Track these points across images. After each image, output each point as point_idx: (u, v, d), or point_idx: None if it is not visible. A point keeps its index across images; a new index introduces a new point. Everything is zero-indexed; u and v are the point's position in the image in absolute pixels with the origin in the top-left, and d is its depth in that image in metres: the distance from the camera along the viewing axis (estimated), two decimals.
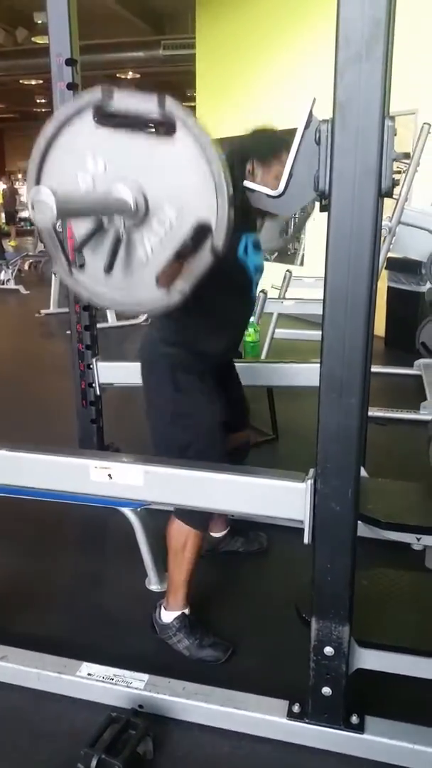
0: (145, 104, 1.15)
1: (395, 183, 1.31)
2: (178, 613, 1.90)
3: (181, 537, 1.84)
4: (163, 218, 1.24)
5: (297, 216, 3.17)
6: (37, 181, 1.28)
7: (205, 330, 1.85)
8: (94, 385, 2.75)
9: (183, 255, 1.26)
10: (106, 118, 1.18)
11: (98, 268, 1.29)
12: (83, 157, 1.24)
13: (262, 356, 4.32)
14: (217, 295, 1.49)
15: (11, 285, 9.54)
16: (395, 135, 1.25)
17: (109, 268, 1.27)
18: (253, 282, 1.93)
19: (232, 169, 1.73)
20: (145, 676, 1.73)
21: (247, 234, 1.86)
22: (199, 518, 1.85)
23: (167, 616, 1.91)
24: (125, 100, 1.17)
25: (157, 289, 1.29)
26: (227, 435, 1.96)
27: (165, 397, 1.87)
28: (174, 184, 1.21)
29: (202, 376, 1.87)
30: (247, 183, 1.40)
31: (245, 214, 1.82)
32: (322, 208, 1.29)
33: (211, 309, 1.73)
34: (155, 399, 1.91)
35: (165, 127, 1.17)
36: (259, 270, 1.94)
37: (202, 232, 1.23)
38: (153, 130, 1.19)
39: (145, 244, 1.28)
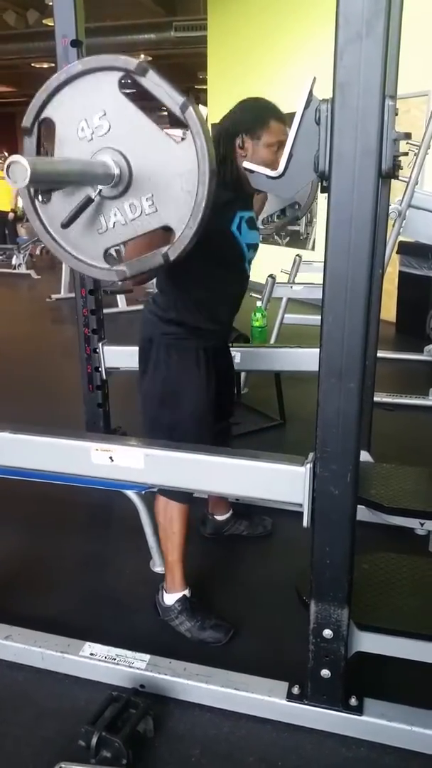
0: (171, 96, 1.18)
1: (397, 164, 1.29)
2: (180, 595, 1.92)
3: (168, 513, 1.87)
4: (136, 205, 1.26)
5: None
6: (41, 108, 1.28)
7: (198, 304, 1.84)
8: (100, 369, 2.76)
9: (137, 245, 1.29)
10: (132, 87, 1.19)
11: (59, 215, 1.30)
12: (93, 110, 1.24)
13: (271, 341, 4.31)
14: (209, 269, 1.48)
15: (23, 270, 9.57)
16: (396, 115, 1.23)
17: (66, 224, 1.28)
18: (246, 258, 1.90)
19: (219, 145, 1.74)
20: (147, 657, 1.75)
21: (241, 211, 1.84)
22: (180, 492, 1.85)
23: (169, 598, 1.93)
24: (156, 83, 1.18)
25: (102, 260, 1.32)
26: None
27: (158, 375, 1.87)
28: (161, 181, 1.23)
29: (197, 356, 1.86)
30: (246, 164, 1.38)
31: (238, 188, 1.81)
32: (323, 190, 1.28)
33: (204, 283, 1.72)
34: (148, 376, 1.90)
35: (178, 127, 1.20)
36: (253, 248, 1.92)
37: (163, 236, 1.26)
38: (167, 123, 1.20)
39: (110, 217, 1.29)
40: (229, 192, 1.76)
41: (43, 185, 1.29)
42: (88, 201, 1.26)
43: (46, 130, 1.32)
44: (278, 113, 1.81)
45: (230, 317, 2.01)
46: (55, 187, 1.32)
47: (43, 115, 1.29)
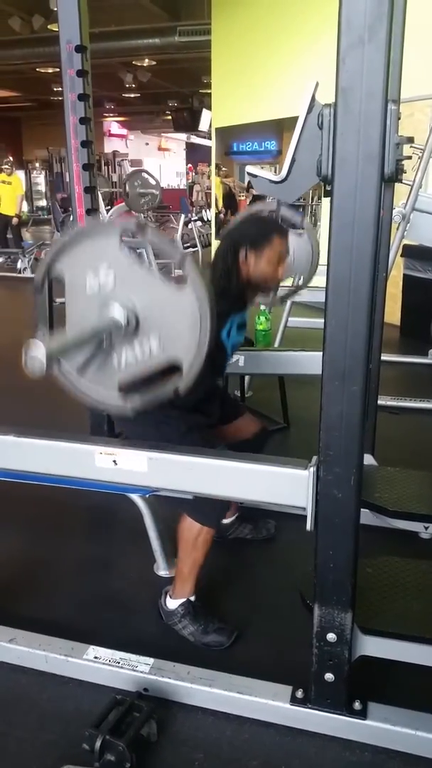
0: (169, 250, 1.31)
1: (400, 168, 1.29)
2: (183, 599, 1.92)
3: (193, 533, 1.85)
4: (145, 345, 1.38)
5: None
6: (50, 266, 1.40)
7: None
8: None
9: (149, 380, 1.41)
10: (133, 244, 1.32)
11: (74, 358, 1.43)
12: (98, 266, 1.36)
13: (275, 344, 4.30)
14: None
15: (28, 274, 9.58)
16: (399, 119, 1.24)
17: (81, 370, 1.43)
18: (228, 358, 2.07)
19: (226, 256, 1.93)
20: (151, 660, 1.75)
21: (234, 316, 1.99)
22: (211, 515, 1.85)
23: (172, 603, 1.93)
24: (156, 239, 1.31)
25: (117, 393, 1.44)
26: (223, 430, 2.09)
27: (136, 427, 1.94)
28: (166, 323, 1.35)
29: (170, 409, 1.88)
30: (249, 169, 1.40)
31: (238, 298, 1.99)
32: (325, 194, 1.28)
33: None
34: (128, 430, 2.02)
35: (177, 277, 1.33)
36: (237, 347, 2.09)
37: (173, 369, 1.38)
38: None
39: (122, 356, 1.41)
40: (228, 301, 1.94)
41: (71, 354, 1.41)
42: (101, 348, 1.39)
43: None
44: (281, 230, 1.99)
45: (209, 394, 2.09)
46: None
47: (52, 273, 1.41)
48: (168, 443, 1.82)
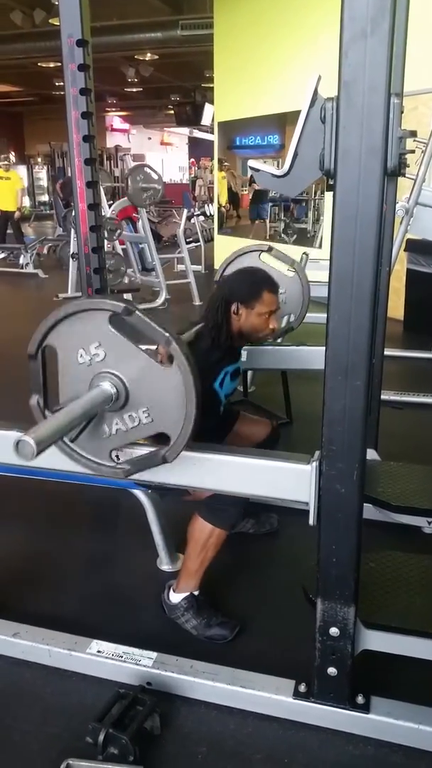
0: (156, 332, 1.35)
1: (403, 161, 1.29)
2: (187, 593, 1.92)
3: (204, 534, 1.85)
4: (135, 416, 1.45)
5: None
6: (44, 337, 1.48)
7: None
8: None
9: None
10: (120, 325, 1.38)
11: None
12: (89, 341, 1.43)
13: (278, 339, 4.29)
14: None
15: (30, 269, 9.59)
16: (402, 112, 1.23)
17: (74, 439, 1.51)
18: (222, 406, 2.09)
19: (217, 311, 1.99)
20: (154, 654, 1.75)
21: (227, 366, 2.04)
22: (225, 519, 1.85)
23: (176, 597, 1.94)
24: (142, 322, 1.35)
25: (108, 459, 1.51)
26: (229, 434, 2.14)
27: None
28: (154, 397, 1.42)
29: None
30: (251, 163, 1.39)
31: (229, 349, 2.05)
32: (328, 188, 1.28)
33: None
34: None
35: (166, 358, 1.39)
36: (230, 395, 2.12)
37: (162, 438, 1.45)
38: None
39: (111, 425, 1.48)
40: (220, 353, 2.00)
41: (65, 434, 1.44)
42: (92, 418, 1.46)
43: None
44: (272, 285, 2.06)
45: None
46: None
47: (45, 343, 1.48)
48: None
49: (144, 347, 1.41)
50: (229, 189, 9.36)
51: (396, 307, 5.58)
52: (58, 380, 1.53)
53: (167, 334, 1.35)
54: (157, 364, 1.40)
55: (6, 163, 11.39)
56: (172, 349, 1.35)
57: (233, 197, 9.37)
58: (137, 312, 1.36)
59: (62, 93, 2.44)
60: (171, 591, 1.96)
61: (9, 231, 11.43)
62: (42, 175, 20.24)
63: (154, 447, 1.49)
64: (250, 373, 3.87)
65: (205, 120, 15.48)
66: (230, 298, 2.01)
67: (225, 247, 7.77)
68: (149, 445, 1.52)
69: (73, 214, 2.58)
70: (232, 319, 2.01)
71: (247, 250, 3.14)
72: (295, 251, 5.38)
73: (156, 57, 12.77)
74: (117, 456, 1.52)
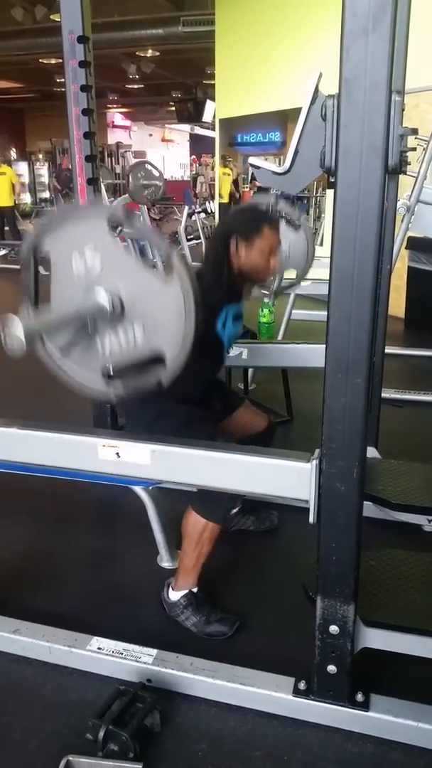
0: (156, 243, 1.31)
1: (404, 159, 1.29)
2: (186, 591, 1.93)
3: (198, 528, 1.85)
4: (129, 333, 1.39)
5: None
6: (38, 242, 1.40)
7: (174, 386, 1.87)
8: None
9: (132, 368, 1.42)
10: (121, 231, 1.34)
11: (60, 343, 1.44)
12: (86, 248, 1.35)
13: (279, 337, 4.30)
14: (187, 358, 1.53)
15: None
16: (403, 110, 1.23)
17: (66, 352, 1.44)
18: (225, 349, 2.05)
19: (217, 247, 1.93)
20: (154, 651, 1.75)
21: (228, 306, 1.98)
22: (218, 512, 1.84)
23: (175, 594, 1.94)
24: (142, 231, 1.33)
25: (100, 378, 1.45)
26: (226, 425, 2.09)
27: (139, 418, 1.97)
28: (151, 313, 1.36)
29: (171, 402, 1.91)
30: (252, 160, 1.39)
31: (230, 288, 1.98)
32: (329, 185, 1.27)
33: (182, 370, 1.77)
34: (131, 420, 2.05)
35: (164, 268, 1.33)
36: (234, 338, 2.07)
37: (156, 360, 1.39)
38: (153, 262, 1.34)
39: (105, 342, 1.42)
40: (221, 292, 1.94)
41: (52, 334, 1.42)
42: (84, 331, 1.39)
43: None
44: (272, 221, 1.98)
45: (207, 385, 2.10)
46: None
47: (39, 249, 1.42)
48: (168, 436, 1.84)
49: None
50: (235, 182, 9.34)
51: (397, 304, 5.57)
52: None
53: (166, 245, 1.30)
54: (155, 276, 1.34)
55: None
56: (171, 260, 1.29)
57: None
58: (138, 219, 1.31)
59: (63, 89, 2.44)
60: (170, 589, 1.96)
61: (6, 228, 11.43)
62: (43, 171, 20.20)
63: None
64: (250, 370, 3.88)
65: (207, 117, 15.45)
66: (230, 234, 1.93)
67: None
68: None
69: None
70: (232, 256, 1.94)
71: (251, 201, 3.09)
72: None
73: (157, 53, 12.75)
74: (109, 376, 1.47)
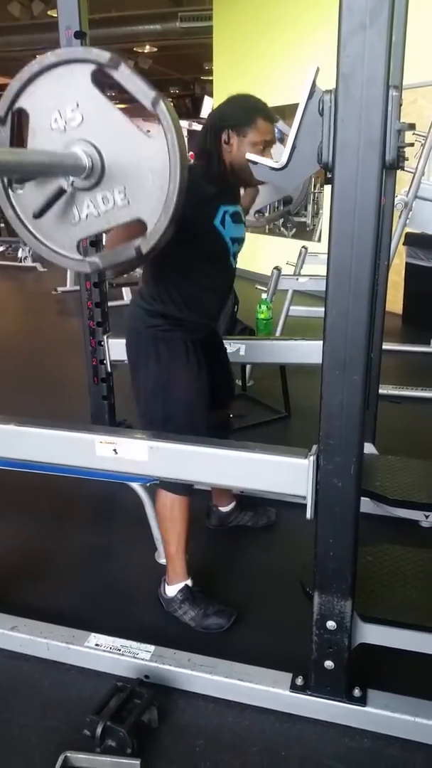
0: (143, 91, 1.18)
1: (401, 155, 1.28)
2: (181, 585, 1.93)
3: (167, 505, 1.88)
4: (109, 197, 1.27)
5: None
6: (15, 98, 1.28)
7: (183, 297, 1.84)
8: (105, 362, 2.76)
9: (116, 237, 1.30)
10: (104, 81, 1.20)
11: (32, 205, 1.31)
12: (66, 101, 1.24)
13: (276, 333, 4.30)
14: (193, 262, 1.47)
15: (29, 262, 9.57)
16: (401, 105, 1.22)
17: (39, 214, 1.29)
18: (231, 252, 1.90)
19: (208, 139, 1.78)
20: (152, 648, 1.76)
21: (225, 206, 1.83)
22: (178, 484, 1.85)
23: (171, 590, 1.95)
24: (128, 76, 1.18)
25: (75, 251, 1.33)
26: (211, 411, 1.99)
27: (147, 368, 1.88)
28: (133, 174, 1.24)
29: (186, 348, 1.87)
30: (248, 156, 1.38)
31: (223, 185, 1.83)
32: (327, 181, 1.27)
33: (188, 276, 1.70)
34: (139, 370, 1.92)
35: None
36: (238, 241, 1.92)
37: (136, 229, 1.27)
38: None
39: (83, 208, 1.30)
40: (213, 186, 1.79)
41: (10, 175, 1.29)
42: (61, 192, 1.27)
43: (21, 121, 1.32)
44: (267, 112, 1.81)
45: (216, 310, 2.01)
46: (24, 177, 1.32)
47: (17, 105, 1.29)
48: (166, 408, 1.82)
49: None
50: None
51: (395, 300, 5.58)
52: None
53: (155, 92, 1.18)
54: (140, 131, 1.23)
55: None
56: (159, 110, 1.18)
57: None
58: (123, 65, 1.19)
59: None
60: (165, 584, 1.97)
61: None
62: None
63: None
64: (248, 367, 3.88)
65: (205, 113, 15.41)
66: (221, 125, 1.78)
67: None
68: None
69: None
70: (223, 149, 1.78)
71: None
72: (294, 245, 5.38)
73: (155, 49, 12.70)
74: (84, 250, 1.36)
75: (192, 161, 1.83)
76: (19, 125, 1.33)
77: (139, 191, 1.24)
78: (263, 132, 1.78)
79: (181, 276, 1.64)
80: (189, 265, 1.52)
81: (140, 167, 1.23)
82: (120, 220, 1.29)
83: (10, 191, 1.35)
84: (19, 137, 1.34)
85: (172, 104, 1.22)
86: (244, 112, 1.78)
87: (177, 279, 1.76)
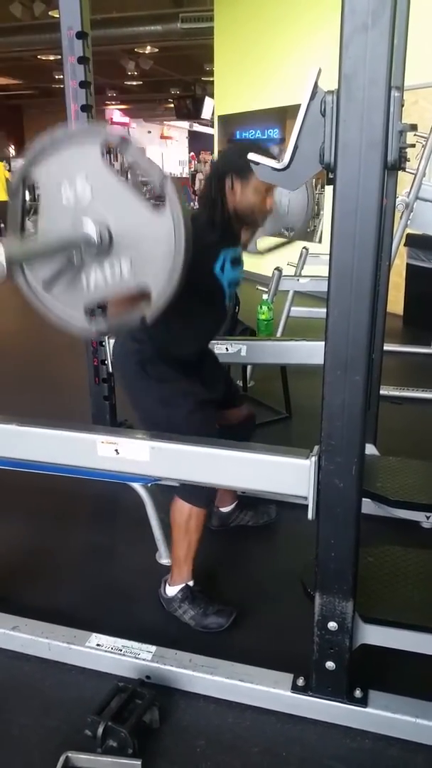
0: (150, 169, 1.25)
1: (403, 155, 1.28)
2: (182, 585, 1.93)
3: (184, 514, 1.87)
4: (116, 266, 1.34)
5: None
6: (28, 169, 1.35)
7: (174, 335, 1.87)
8: (106, 362, 2.77)
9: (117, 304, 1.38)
10: (114, 158, 1.26)
11: (43, 273, 1.38)
12: (76, 176, 1.30)
13: (278, 334, 4.30)
14: (188, 304, 1.51)
15: None
16: (402, 106, 1.23)
17: (48, 285, 1.38)
18: (227, 295, 1.97)
19: (212, 186, 1.87)
20: (153, 648, 1.76)
21: (226, 250, 1.91)
22: (201, 496, 1.86)
23: (171, 590, 1.95)
24: (138, 156, 1.26)
25: (83, 315, 1.40)
26: (220, 413, 2.03)
27: (142, 390, 1.93)
28: (140, 246, 1.31)
29: (171, 365, 1.91)
30: (250, 155, 1.38)
31: (227, 229, 1.91)
32: (328, 182, 1.27)
33: (182, 316, 1.74)
34: (136, 396, 1.97)
35: (156, 199, 1.28)
36: (234, 283, 1.99)
37: (142, 296, 1.35)
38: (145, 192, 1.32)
39: (91, 276, 1.37)
40: (216, 232, 1.87)
41: (28, 263, 1.36)
42: (70, 265, 1.34)
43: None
44: (269, 156, 1.85)
45: (207, 343, 2.09)
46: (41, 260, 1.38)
47: (29, 178, 1.36)
48: (171, 423, 1.82)
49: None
50: None
51: (395, 301, 5.58)
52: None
53: (163, 171, 1.25)
54: (147, 206, 1.28)
55: None
56: (166, 188, 1.24)
57: None
58: (133, 144, 1.25)
59: (62, 86, 2.43)
60: (166, 585, 1.97)
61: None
62: None
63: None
64: (249, 367, 3.87)
65: (206, 114, 15.42)
66: (225, 172, 1.86)
67: None
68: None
69: None
70: (227, 195, 1.86)
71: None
72: (294, 246, 5.38)
73: (156, 50, 12.69)
74: (92, 313, 1.43)
75: (196, 208, 1.96)
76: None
77: (145, 262, 1.31)
78: None
79: (174, 316, 1.67)
80: (184, 307, 1.56)
81: (147, 240, 1.29)
82: (126, 287, 1.36)
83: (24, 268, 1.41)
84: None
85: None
86: (246, 159, 1.82)
87: (169, 319, 1.78)
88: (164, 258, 1.27)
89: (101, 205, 1.30)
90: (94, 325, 1.42)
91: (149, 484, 2.16)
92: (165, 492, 2.17)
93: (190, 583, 1.94)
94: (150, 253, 1.29)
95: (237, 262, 1.99)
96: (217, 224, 1.86)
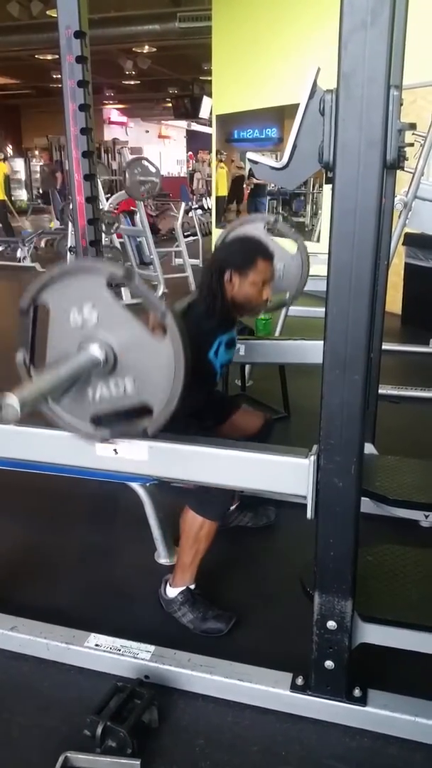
0: (153, 303, 1.35)
1: (402, 155, 1.28)
2: (183, 587, 1.93)
3: (195, 526, 1.86)
4: (120, 384, 1.44)
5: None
6: (38, 293, 1.45)
7: None
8: None
9: (121, 417, 1.48)
10: (118, 289, 1.32)
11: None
12: (83, 303, 1.40)
13: (276, 333, 4.29)
14: None
15: (27, 262, 9.55)
16: (401, 105, 1.23)
17: (57, 399, 1.48)
18: (218, 375, 2.09)
19: (211, 277, 1.98)
20: (152, 648, 1.75)
21: (222, 335, 2.03)
22: (213, 509, 1.85)
23: (172, 591, 1.94)
24: (141, 291, 1.35)
25: (88, 424, 1.50)
26: (230, 425, 2.12)
27: None
28: (142, 368, 1.42)
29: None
30: (250, 155, 1.38)
31: (223, 318, 2.02)
32: (327, 180, 1.27)
33: None
34: None
35: (159, 328, 1.38)
36: (227, 364, 2.12)
37: (144, 411, 1.44)
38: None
39: (96, 390, 1.47)
40: (213, 321, 1.99)
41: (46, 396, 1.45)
42: (77, 381, 1.44)
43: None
44: (266, 253, 2.03)
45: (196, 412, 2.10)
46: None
47: (39, 300, 1.46)
48: None
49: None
50: (235, 180, 9.30)
51: (394, 301, 5.57)
52: (47, 338, 1.51)
53: (164, 307, 1.34)
54: (149, 335, 1.39)
55: None
56: (167, 322, 1.33)
57: (237, 189, 9.32)
58: (136, 279, 1.35)
59: (59, 85, 2.43)
60: (167, 586, 1.97)
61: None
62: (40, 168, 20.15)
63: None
64: (248, 367, 3.87)
65: (203, 113, 15.43)
66: (224, 266, 2.00)
67: None
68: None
69: (71, 207, 2.57)
70: (225, 286, 2.00)
71: (251, 219, 3.08)
72: (292, 245, 5.37)
73: (154, 49, 12.69)
74: (97, 421, 1.51)
75: (194, 297, 2.06)
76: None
77: (147, 381, 1.42)
78: (262, 271, 2.00)
79: None
80: None
81: (148, 363, 1.40)
82: (130, 403, 1.46)
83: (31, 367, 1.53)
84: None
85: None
86: (245, 255, 2.01)
87: None
88: (166, 381, 1.38)
89: (107, 329, 1.41)
90: (99, 434, 1.52)
91: (148, 484, 2.16)
92: (167, 492, 2.17)
93: (192, 586, 1.94)
94: (152, 375, 1.41)
95: (231, 344, 2.12)
96: (215, 313, 1.99)
